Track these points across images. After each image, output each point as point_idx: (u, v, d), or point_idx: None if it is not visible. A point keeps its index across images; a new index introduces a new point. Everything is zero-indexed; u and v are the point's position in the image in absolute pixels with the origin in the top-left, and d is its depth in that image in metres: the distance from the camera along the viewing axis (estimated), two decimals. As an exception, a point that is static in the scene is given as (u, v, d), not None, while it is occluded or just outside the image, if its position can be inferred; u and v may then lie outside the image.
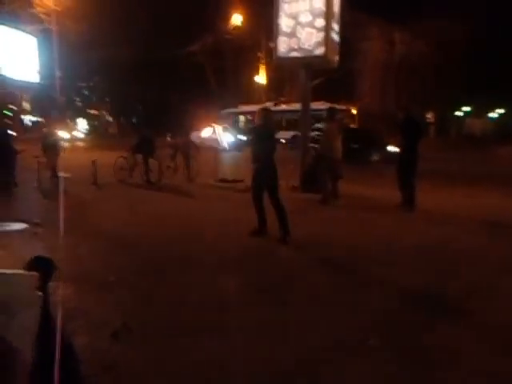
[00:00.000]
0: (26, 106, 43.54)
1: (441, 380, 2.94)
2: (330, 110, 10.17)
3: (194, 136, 27.21)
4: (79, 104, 55.70)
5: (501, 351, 3.27)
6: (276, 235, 6.15)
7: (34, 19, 25.72)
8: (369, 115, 35.50)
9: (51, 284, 1.81)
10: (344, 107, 24.44)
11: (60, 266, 4.32)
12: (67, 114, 48.15)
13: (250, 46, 34.46)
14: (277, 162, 6.24)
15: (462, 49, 37.16)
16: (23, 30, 23.51)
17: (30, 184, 11.01)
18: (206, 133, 28.35)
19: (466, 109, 50.47)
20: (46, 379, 1.51)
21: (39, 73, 24.28)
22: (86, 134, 40.70)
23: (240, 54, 35.88)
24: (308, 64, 10.72)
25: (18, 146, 11.67)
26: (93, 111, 55.45)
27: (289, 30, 10.57)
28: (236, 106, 34.23)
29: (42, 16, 25.52)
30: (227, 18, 33.82)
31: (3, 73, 21.29)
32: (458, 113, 50.53)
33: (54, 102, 29.07)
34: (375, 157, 18.11)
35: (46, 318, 1.60)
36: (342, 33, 11.53)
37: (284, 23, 10.64)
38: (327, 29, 10.20)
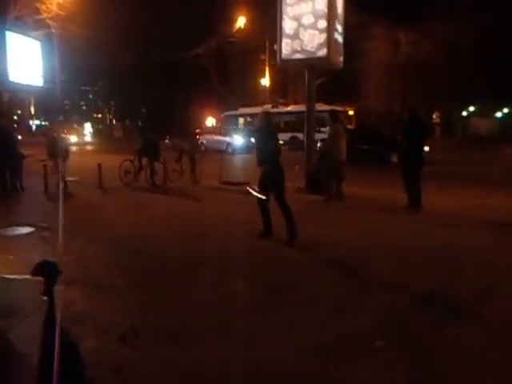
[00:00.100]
0: (31, 109, 43.84)
1: (450, 382, 2.93)
2: (334, 112, 10.19)
3: (202, 138, 27.53)
4: (84, 108, 56.07)
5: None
6: (282, 237, 6.15)
7: (39, 24, 25.91)
8: (373, 116, 35.45)
9: (56, 288, 1.83)
10: (341, 108, 24.33)
11: (67, 269, 4.35)
12: (73, 118, 48.50)
13: (253, 48, 34.54)
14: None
15: (468, 48, 37.03)
16: (28, 35, 23.67)
17: (36, 188, 11.08)
18: (214, 135, 28.51)
19: (472, 109, 50.24)
20: (52, 383, 1.52)
21: (43, 77, 24.42)
22: (91, 137, 40.94)
23: (244, 56, 35.99)
24: (312, 65, 10.73)
25: (23, 150, 11.76)
26: (98, 115, 55.80)
27: (292, 32, 10.60)
28: (237, 109, 34.33)
29: (48, 21, 25.71)
30: (231, 20, 33.92)
31: (10, 78, 21.44)
32: (463, 113, 50.32)
33: (58, 106, 29.27)
34: (394, 158, 17.98)
35: (51, 322, 1.62)
36: (346, 34, 11.53)
37: (287, 25, 10.67)
38: (329, 30, 10.21)
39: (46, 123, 49.02)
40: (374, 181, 12.59)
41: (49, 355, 1.49)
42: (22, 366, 1.43)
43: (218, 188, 11.62)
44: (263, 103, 32.57)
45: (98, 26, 27.62)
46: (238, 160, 12.64)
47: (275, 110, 29.58)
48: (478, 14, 32.32)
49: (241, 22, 33.52)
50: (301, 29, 10.47)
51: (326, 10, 10.17)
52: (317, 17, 10.27)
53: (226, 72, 38.88)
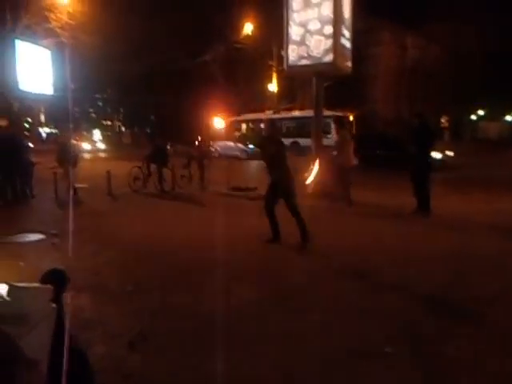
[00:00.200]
0: (41, 117, 44.33)
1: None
2: (340, 118, 10.21)
3: (216, 145, 27.71)
4: (93, 115, 56.53)
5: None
6: (290, 243, 6.17)
7: (49, 33, 26.23)
8: (380, 120, 35.38)
9: (65, 295, 1.85)
10: (341, 114, 24.21)
11: (77, 276, 4.38)
12: (82, 126, 48.91)
13: (261, 54, 34.65)
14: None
15: (476, 52, 36.90)
16: (38, 44, 23.98)
17: (46, 195, 11.18)
18: (227, 141, 28.63)
19: (481, 112, 49.93)
20: None
21: (53, 85, 24.71)
22: (103, 144, 41.20)
23: (252, 62, 36.11)
24: (319, 71, 10.74)
25: (34, 158, 11.88)
26: (107, 122, 56.24)
27: (298, 39, 10.63)
28: (239, 115, 34.48)
29: (57, 30, 26.03)
30: (238, 27, 34.08)
31: (20, 87, 21.72)
32: (472, 116, 50.02)
33: (68, 114, 29.53)
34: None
35: (60, 329, 1.64)
36: (353, 38, 11.53)
37: (293, 32, 10.71)
38: (336, 36, 10.22)
39: (56, 131, 49.51)
40: (384, 186, 12.54)
41: (57, 362, 1.51)
42: (31, 372, 1.44)
43: (227, 194, 11.64)
44: (264, 109, 32.74)
45: (107, 34, 27.89)
46: (249, 166, 12.59)
47: (277, 115, 29.71)
48: (487, 18, 32.22)
49: (248, 28, 33.66)
50: (307, 35, 10.50)
51: (331, 16, 10.19)
52: (323, 22, 10.30)
53: (233, 78, 39.01)
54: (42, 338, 1.54)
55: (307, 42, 10.50)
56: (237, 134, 32.35)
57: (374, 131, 28.83)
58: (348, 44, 11.13)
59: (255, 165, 17.23)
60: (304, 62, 10.66)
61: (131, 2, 31.35)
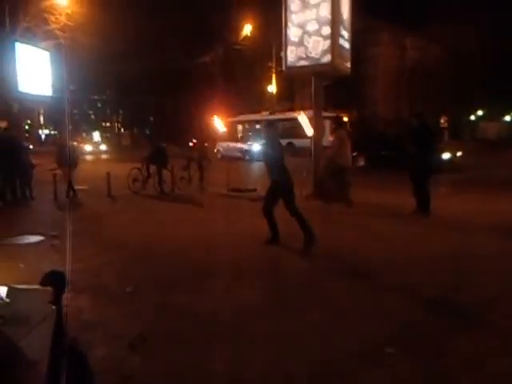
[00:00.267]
0: (40, 119, 44.35)
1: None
2: (338, 117, 10.20)
3: (218, 146, 27.73)
4: (93, 117, 56.59)
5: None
6: (290, 244, 6.19)
7: (48, 35, 26.26)
8: (380, 121, 35.42)
9: (64, 297, 1.85)
10: (334, 114, 24.22)
11: (77, 277, 4.39)
12: (82, 127, 48.97)
13: (260, 55, 34.72)
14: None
15: (475, 52, 36.95)
16: (37, 46, 24.01)
17: (46, 197, 11.19)
18: (230, 142, 28.67)
19: (480, 113, 49.97)
20: None
21: (52, 87, 24.74)
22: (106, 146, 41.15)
23: (251, 63, 36.17)
24: (317, 72, 10.75)
25: (33, 160, 11.88)
26: (106, 124, 56.29)
27: (296, 40, 10.64)
28: (236, 116, 34.52)
29: (57, 32, 26.06)
30: (237, 28, 34.15)
31: (20, 88, 21.74)
32: (471, 117, 50.05)
33: (67, 116, 29.62)
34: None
35: (59, 331, 1.64)
36: (352, 39, 11.54)
37: (292, 33, 10.72)
38: (334, 36, 10.22)
39: (56, 133, 49.51)
40: (387, 186, 12.51)
41: (56, 363, 1.51)
42: (31, 373, 1.45)
43: (226, 195, 11.64)
44: (261, 111, 32.80)
45: (105, 35, 27.96)
46: (249, 167, 12.52)
47: (272, 116, 29.78)
48: (486, 18, 32.28)
49: (247, 29, 33.73)
50: (305, 36, 10.51)
51: (329, 17, 10.19)
52: (321, 23, 10.30)
53: (233, 79, 39.07)
54: (41, 339, 1.54)
55: (305, 43, 10.51)
56: (240, 135, 32.35)
57: (377, 131, 28.82)
58: (347, 45, 11.13)
59: (255, 166, 17.21)
60: (302, 62, 10.67)
61: (130, 2, 31.40)
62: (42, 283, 1.81)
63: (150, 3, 33.80)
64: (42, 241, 6.85)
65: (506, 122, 51.41)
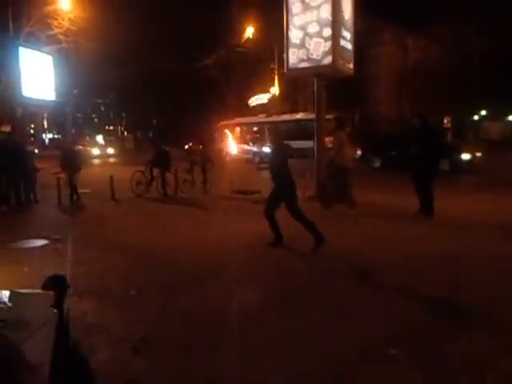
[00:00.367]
0: (44, 123, 44.54)
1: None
2: (338, 118, 10.17)
3: (227, 148, 27.79)
4: (96, 120, 56.81)
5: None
6: (293, 246, 6.21)
7: (52, 39, 26.41)
8: (383, 121, 35.37)
9: (66, 300, 1.87)
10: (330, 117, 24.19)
11: (80, 281, 4.40)
12: (85, 131, 49.18)
13: (262, 57, 34.77)
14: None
15: (477, 52, 36.85)
16: (40, 51, 24.16)
17: (50, 200, 11.24)
18: (239, 145, 28.73)
19: (484, 113, 49.78)
20: None
21: (55, 91, 24.89)
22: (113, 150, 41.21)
23: (253, 65, 36.22)
24: (319, 73, 10.76)
25: (37, 164, 11.94)
26: (110, 127, 56.47)
27: (298, 42, 10.66)
28: (233, 118, 34.60)
29: (60, 36, 26.21)
30: (239, 31, 34.22)
31: (23, 93, 21.89)
32: (475, 117, 49.87)
33: (70, 119, 29.83)
34: (443, 166, 15.23)
35: (61, 335, 1.65)
36: (355, 39, 11.51)
37: (293, 35, 10.74)
38: (334, 38, 10.22)
39: (59, 136, 49.78)
40: (394, 187, 12.38)
41: (58, 366, 1.53)
42: (33, 377, 1.46)
43: (229, 198, 11.65)
44: (257, 113, 32.87)
45: (108, 39, 28.08)
46: (253, 169, 12.42)
47: (269, 119, 29.86)
48: (487, 18, 32.20)
49: (249, 32, 33.80)
50: (306, 38, 10.52)
51: (330, 18, 10.19)
52: (322, 25, 10.31)
53: (235, 82, 39.15)
54: (43, 342, 1.55)
55: (307, 45, 10.53)
56: (249, 136, 32.34)
57: (391, 132, 28.68)
58: (349, 46, 11.12)
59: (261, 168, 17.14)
60: (304, 64, 10.68)
61: (132, 6, 31.54)
62: (44, 287, 1.82)
63: (152, 7, 33.93)
64: (46, 244, 6.88)
65: (510, 121, 51.22)
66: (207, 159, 13.90)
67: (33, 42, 25.15)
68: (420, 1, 38.03)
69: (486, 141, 41.64)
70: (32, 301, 1.87)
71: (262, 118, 31.37)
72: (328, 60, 10.31)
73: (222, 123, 33.68)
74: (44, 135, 47.87)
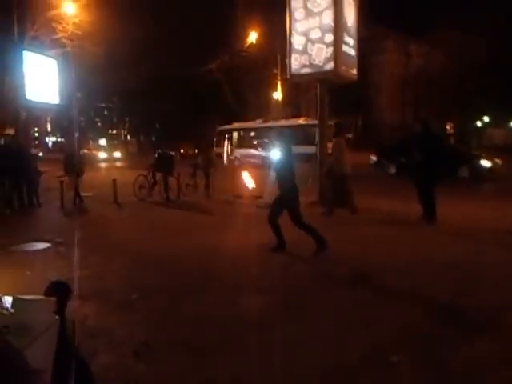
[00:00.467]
0: (48, 127, 44.70)
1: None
2: (338, 124, 10.18)
3: (235, 152, 27.86)
4: (99, 124, 56.91)
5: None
6: (295, 252, 6.21)
7: (56, 43, 26.54)
8: (386, 127, 35.41)
9: (68, 306, 1.88)
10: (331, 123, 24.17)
11: (82, 284, 4.40)
12: (89, 135, 49.29)
13: (266, 62, 34.86)
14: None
15: (480, 58, 36.88)
16: (45, 54, 24.28)
17: (53, 204, 11.27)
18: (247, 149, 28.77)
19: (486, 119, 49.74)
20: None
21: (59, 95, 25.01)
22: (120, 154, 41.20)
23: (256, 70, 36.29)
24: (321, 79, 10.79)
25: (40, 167, 11.99)
26: (113, 131, 56.55)
27: (300, 48, 10.70)
28: (231, 123, 34.66)
29: (64, 40, 26.34)
30: (243, 36, 34.33)
31: (27, 96, 21.99)
32: (478, 123, 49.82)
33: (74, 123, 29.95)
34: (463, 173, 15.84)
35: (63, 340, 1.67)
36: (358, 46, 11.55)
37: (296, 41, 10.78)
38: (337, 44, 10.25)
39: (63, 140, 49.87)
40: (398, 192, 12.34)
41: (60, 372, 1.54)
42: (36, 382, 1.47)
43: (232, 202, 11.65)
44: (254, 118, 32.95)
45: (112, 43, 28.19)
46: (258, 174, 12.36)
47: (266, 124, 29.98)
48: (490, 24, 32.25)
49: (252, 37, 33.90)
50: (309, 43, 10.56)
51: (332, 24, 10.23)
52: (324, 31, 10.35)
53: (238, 86, 39.20)
54: (45, 348, 1.56)
55: (309, 51, 10.56)
56: (255, 141, 32.42)
57: (403, 137, 28.63)
58: (352, 51, 11.14)
59: (265, 173, 17.19)
60: (306, 70, 10.71)
61: (136, 11, 31.67)
62: (46, 293, 1.84)
63: (157, 11, 34.07)
64: (48, 248, 6.90)
65: (513, 128, 51.13)
66: (211, 163, 13.92)
67: (37, 45, 25.25)
68: (423, 8, 38.16)
69: (489, 147, 41.62)
70: (34, 307, 1.88)
71: (259, 123, 31.50)
72: (330, 66, 10.34)
73: (221, 128, 33.78)
74: (47, 138, 48.06)
